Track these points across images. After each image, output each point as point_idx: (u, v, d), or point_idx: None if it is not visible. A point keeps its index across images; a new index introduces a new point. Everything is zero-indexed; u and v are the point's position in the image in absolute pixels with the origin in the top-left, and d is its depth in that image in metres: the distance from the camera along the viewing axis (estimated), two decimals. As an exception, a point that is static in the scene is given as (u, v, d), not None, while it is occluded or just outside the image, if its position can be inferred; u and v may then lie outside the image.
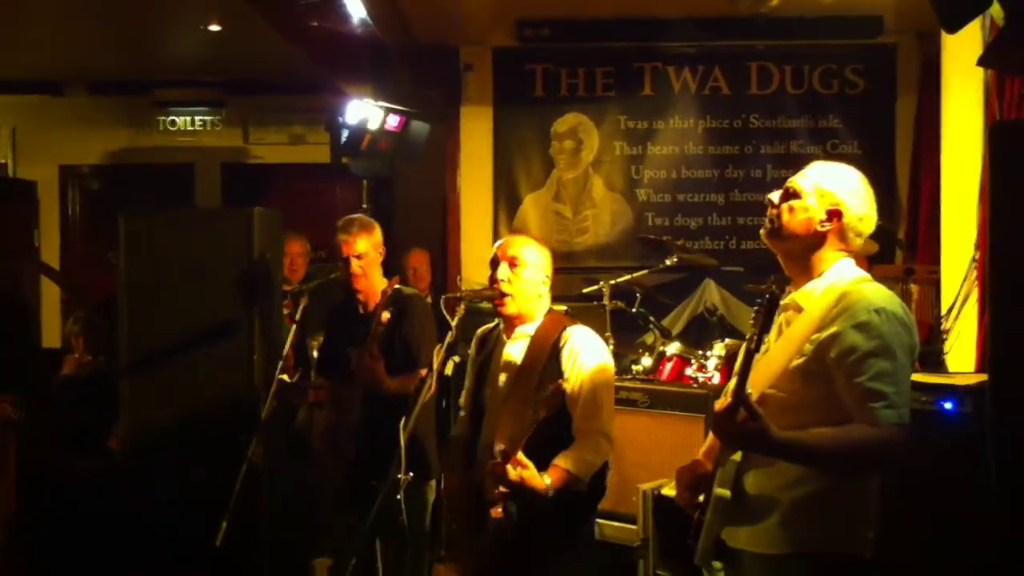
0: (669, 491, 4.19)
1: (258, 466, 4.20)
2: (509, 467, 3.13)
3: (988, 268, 2.83)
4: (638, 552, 4.45)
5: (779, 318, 2.64)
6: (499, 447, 3.22)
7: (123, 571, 4.64)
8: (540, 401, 3.15)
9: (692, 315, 7.15)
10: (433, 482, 4.34)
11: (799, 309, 2.57)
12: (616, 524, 4.58)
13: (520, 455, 3.14)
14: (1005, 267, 2.56)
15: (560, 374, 3.34)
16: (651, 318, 5.97)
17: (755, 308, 2.46)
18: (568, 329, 3.44)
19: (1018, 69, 3.68)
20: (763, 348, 2.55)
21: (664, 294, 6.46)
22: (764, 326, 2.44)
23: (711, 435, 2.74)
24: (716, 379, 5.04)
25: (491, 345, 3.61)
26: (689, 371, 5.25)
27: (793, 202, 2.61)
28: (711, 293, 7.19)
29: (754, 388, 2.42)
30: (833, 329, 2.44)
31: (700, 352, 5.32)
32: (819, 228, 2.59)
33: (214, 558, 4.01)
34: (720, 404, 2.45)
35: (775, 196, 2.67)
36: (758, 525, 2.53)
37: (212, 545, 3.96)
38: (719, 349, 5.24)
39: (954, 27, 3.37)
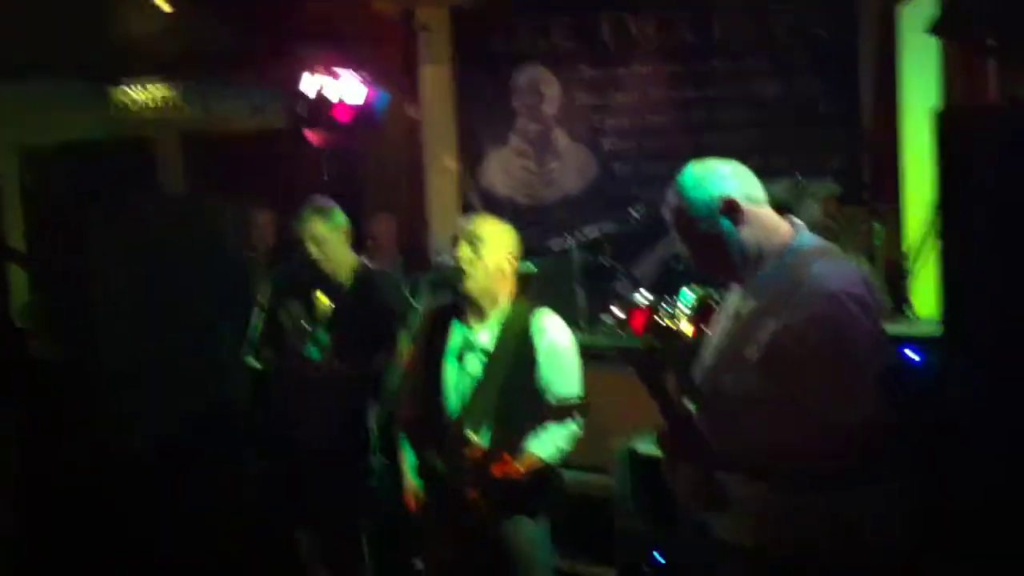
0: (643, 447, 4.26)
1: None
2: (495, 467, 3.26)
3: (939, 249, 2.83)
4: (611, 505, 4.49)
5: (739, 303, 2.54)
6: (473, 438, 3.31)
7: (97, 530, 4.67)
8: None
9: (660, 264, 7.13)
10: None
11: (754, 296, 2.47)
12: (589, 477, 4.62)
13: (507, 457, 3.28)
14: (954, 261, 2.55)
15: (533, 359, 3.42)
16: (619, 269, 5.98)
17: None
18: (536, 313, 3.49)
19: (971, 45, 3.61)
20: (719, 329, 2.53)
21: (632, 243, 6.44)
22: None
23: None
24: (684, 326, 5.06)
25: (442, 323, 3.58)
26: (658, 320, 5.25)
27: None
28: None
29: (711, 373, 2.45)
30: (787, 320, 2.32)
31: (670, 300, 5.32)
32: (735, 230, 2.44)
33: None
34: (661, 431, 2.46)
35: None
36: None
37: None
38: (690, 299, 5.24)
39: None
